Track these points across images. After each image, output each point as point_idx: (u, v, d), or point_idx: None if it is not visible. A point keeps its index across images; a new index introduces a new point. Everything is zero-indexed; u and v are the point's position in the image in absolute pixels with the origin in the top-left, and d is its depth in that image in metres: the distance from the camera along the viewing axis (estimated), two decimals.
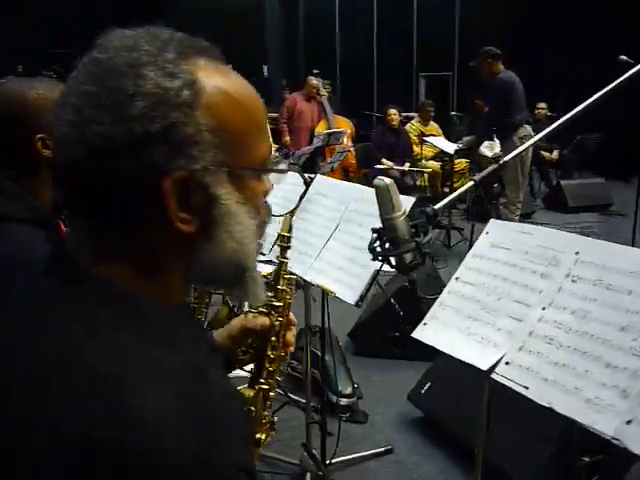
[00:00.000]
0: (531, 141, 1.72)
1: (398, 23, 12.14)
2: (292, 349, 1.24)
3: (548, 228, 1.42)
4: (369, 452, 2.71)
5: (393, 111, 7.27)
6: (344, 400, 3.00)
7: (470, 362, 1.28)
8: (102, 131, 0.64)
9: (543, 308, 1.26)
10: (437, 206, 1.64)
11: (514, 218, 5.26)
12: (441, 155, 7.07)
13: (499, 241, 1.45)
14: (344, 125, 7.82)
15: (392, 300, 3.13)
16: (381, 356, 3.51)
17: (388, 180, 1.53)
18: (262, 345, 1.15)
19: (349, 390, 3.03)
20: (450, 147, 6.19)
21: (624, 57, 4.98)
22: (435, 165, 7.42)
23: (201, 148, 0.67)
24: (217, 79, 0.70)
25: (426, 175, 7.22)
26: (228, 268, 0.75)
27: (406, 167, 7.24)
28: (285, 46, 13.27)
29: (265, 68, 12.78)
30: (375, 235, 1.64)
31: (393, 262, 1.59)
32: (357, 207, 1.93)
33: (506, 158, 1.70)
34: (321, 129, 7.59)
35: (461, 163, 7.31)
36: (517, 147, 5.40)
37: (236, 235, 0.72)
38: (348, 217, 1.93)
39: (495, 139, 5.36)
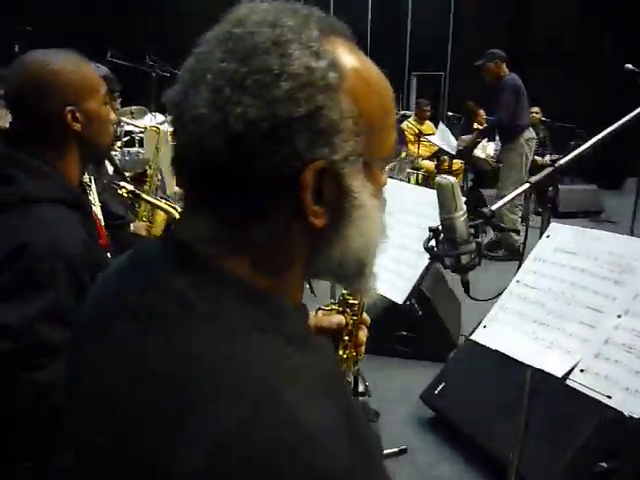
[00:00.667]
0: (589, 142, 1.70)
1: (391, 21, 12.13)
2: (363, 349, 1.21)
3: (616, 234, 1.40)
4: (384, 452, 2.69)
5: None
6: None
7: (542, 368, 1.26)
8: (245, 113, 0.59)
9: (619, 316, 1.24)
10: (494, 207, 1.62)
11: (516, 219, 5.28)
12: (438, 155, 7.08)
13: (564, 245, 1.43)
14: None
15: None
16: (391, 355, 3.49)
17: (452, 179, 1.51)
18: (334, 344, 1.12)
19: (361, 388, 3.01)
20: (452, 147, 6.20)
21: (629, 65, 5.03)
22: (429, 165, 7.42)
23: (343, 136, 0.63)
24: (354, 61, 0.66)
25: (420, 175, 7.22)
26: (352, 264, 0.71)
27: None
28: None
29: None
30: (431, 234, 1.62)
31: (447, 262, 1.57)
32: (399, 205, 1.89)
33: (562, 161, 1.69)
34: None
35: (456, 163, 7.33)
36: (524, 149, 5.48)
37: (365, 230, 0.68)
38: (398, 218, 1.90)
39: (489, 141, 5.40)
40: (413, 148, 7.53)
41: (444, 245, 1.52)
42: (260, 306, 0.64)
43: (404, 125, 7.74)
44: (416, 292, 1.73)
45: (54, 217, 1.33)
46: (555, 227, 1.49)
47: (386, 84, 0.70)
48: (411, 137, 7.66)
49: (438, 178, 1.48)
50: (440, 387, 2.89)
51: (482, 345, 2.33)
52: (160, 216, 3.08)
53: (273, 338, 0.62)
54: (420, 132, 7.25)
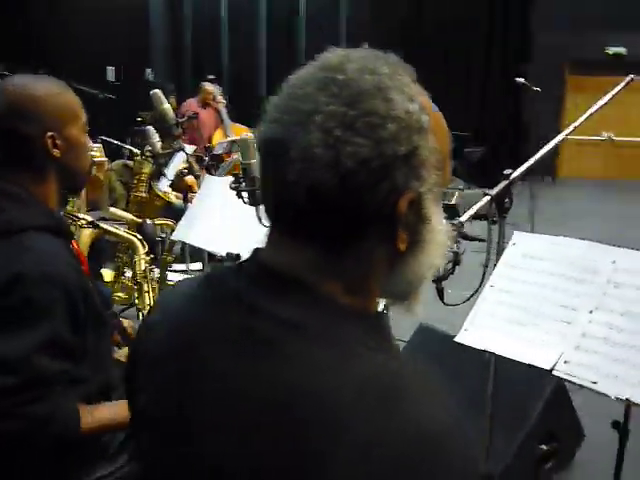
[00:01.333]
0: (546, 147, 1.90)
1: (286, 34, 12.32)
2: None
3: (577, 240, 1.58)
4: None
5: None
6: None
7: (532, 363, 1.41)
8: (357, 152, 0.66)
9: (590, 311, 1.41)
10: (462, 219, 1.77)
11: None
12: None
13: (531, 251, 1.59)
14: (241, 131, 7.78)
15: None
16: None
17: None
18: None
19: None
20: None
21: (521, 79, 5.47)
22: None
23: (429, 170, 0.72)
24: (427, 101, 0.76)
25: None
26: (416, 283, 0.81)
27: None
28: (171, 50, 12.98)
29: (148, 71, 12.43)
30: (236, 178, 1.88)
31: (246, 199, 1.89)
32: None
33: (514, 174, 1.87)
34: (218, 137, 7.51)
35: None
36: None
37: (433, 253, 0.78)
38: None
39: None
40: None
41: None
42: (362, 324, 0.72)
43: None
44: None
45: (43, 245, 1.33)
46: (519, 235, 1.66)
47: (443, 119, 0.80)
48: None
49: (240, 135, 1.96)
50: None
51: (435, 330, 2.47)
52: (86, 235, 3.03)
53: (382, 352, 0.70)
54: None
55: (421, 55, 11.27)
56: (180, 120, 2.84)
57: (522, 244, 1.62)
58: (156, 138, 3.62)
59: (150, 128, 3.80)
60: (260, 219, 2.11)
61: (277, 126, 0.71)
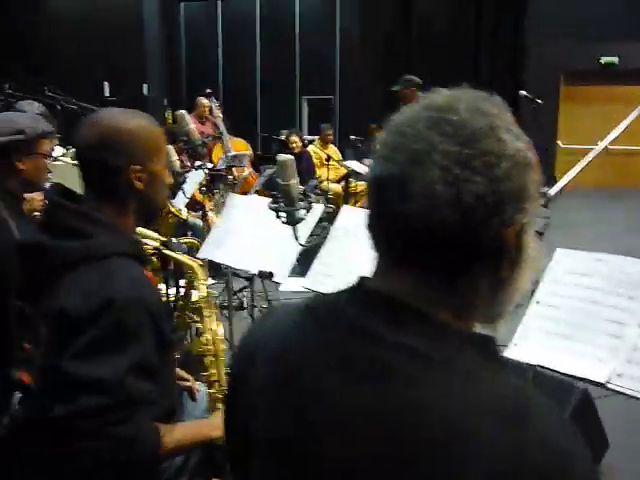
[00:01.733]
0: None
1: (281, 47, 12.40)
2: None
3: (614, 255, 1.64)
4: None
5: (294, 138, 7.43)
6: None
7: (585, 377, 1.46)
8: (476, 190, 0.71)
9: (639, 325, 1.47)
10: None
11: None
12: (346, 178, 7.35)
13: (574, 268, 1.65)
14: (242, 147, 7.81)
15: None
16: None
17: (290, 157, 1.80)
18: None
19: None
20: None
21: (524, 92, 5.55)
22: (337, 188, 7.68)
23: (532, 202, 0.78)
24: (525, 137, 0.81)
25: (330, 197, 7.43)
26: (509, 307, 0.86)
27: None
28: (166, 65, 13.04)
29: (145, 87, 12.48)
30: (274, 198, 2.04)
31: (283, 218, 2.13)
32: None
33: (551, 191, 1.93)
34: (218, 152, 7.54)
35: (361, 185, 7.64)
36: None
37: (524, 277, 0.83)
38: None
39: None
40: (320, 172, 7.76)
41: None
42: (480, 349, 0.77)
43: (310, 150, 7.96)
44: None
45: (130, 271, 1.37)
46: (561, 252, 1.72)
47: None
48: (317, 161, 7.89)
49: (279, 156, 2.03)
50: None
51: None
52: None
53: (503, 375, 0.76)
54: (328, 156, 7.49)
55: (411, 69, 11.47)
56: (205, 140, 2.88)
57: (566, 261, 1.67)
58: (175, 156, 3.68)
59: (169, 147, 3.83)
60: (297, 238, 2.16)
61: (390, 164, 0.75)
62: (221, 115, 7.86)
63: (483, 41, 10.98)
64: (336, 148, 8.26)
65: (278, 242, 2.44)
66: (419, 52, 11.29)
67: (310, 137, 8.40)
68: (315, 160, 7.87)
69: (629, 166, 11.68)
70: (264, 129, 11.75)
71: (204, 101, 7.63)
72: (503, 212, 0.73)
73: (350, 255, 2.12)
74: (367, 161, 7.19)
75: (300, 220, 2.08)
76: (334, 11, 12.21)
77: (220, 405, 1.69)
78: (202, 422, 1.60)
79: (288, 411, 0.79)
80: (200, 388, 1.92)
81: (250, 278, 2.94)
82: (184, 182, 3.72)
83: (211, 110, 7.63)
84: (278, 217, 2.13)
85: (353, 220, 2.20)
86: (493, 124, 0.74)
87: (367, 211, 0.82)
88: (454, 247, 0.74)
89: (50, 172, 2.33)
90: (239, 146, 7.78)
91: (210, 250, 2.88)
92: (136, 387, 1.28)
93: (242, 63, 12.61)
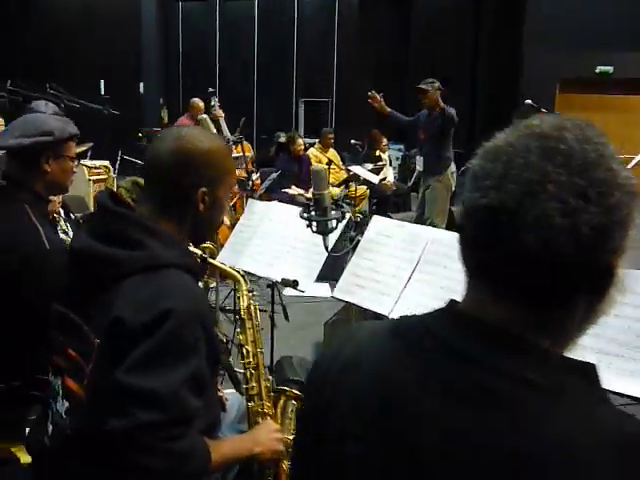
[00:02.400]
0: None
1: (278, 48, 12.40)
2: None
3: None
4: None
5: (301, 141, 7.43)
6: None
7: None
8: (591, 220, 0.71)
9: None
10: None
11: None
12: (347, 182, 7.36)
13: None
14: (246, 149, 7.79)
15: None
16: None
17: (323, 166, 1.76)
18: None
19: None
20: (374, 178, 6.47)
21: (529, 101, 5.58)
22: (336, 191, 7.68)
23: (633, 228, 0.78)
24: None
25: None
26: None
27: (311, 194, 7.40)
28: (163, 64, 12.99)
29: (141, 85, 12.43)
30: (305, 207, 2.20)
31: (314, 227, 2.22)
32: (436, 249, 2.06)
33: None
34: None
35: (361, 189, 7.65)
36: (450, 182, 5.60)
37: (613, 301, 0.84)
38: (428, 259, 2.05)
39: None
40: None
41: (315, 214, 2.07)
42: (584, 376, 0.77)
43: (309, 153, 7.96)
44: None
45: (186, 283, 1.36)
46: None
47: None
48: (316, 164, 7.88)
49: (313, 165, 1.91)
50: None
51: None
52: None
53: (609, 402, 0.76)
54: (330, 160, 7.49)
55: (409, 74, 11.49)
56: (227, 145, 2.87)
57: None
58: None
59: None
60: (327, 248, 2.16)
61: (502, 193, 0.74)
62: (223, 115, 7.84)
63: (481, 48, 11.03)
64: (336, 152, 8.26)
65: (304, 250, 2.44)
66: (416, 60, 11.33)
67: (309, 140, 8.37)
68: (314, 164, 7.86)
69: None
70: (260, 131, 11.75)
71: (199, 103, 7.61)
72: (613, 240, 0.74)
73: (380, 266, 2.12)
74: (368, 166, 7.21)
75: (332, 230, 2.08)
76: (333, 13, 12.23)
77: (260, 420, 1.68)
78: (245, 437, 1.58)
79: (389, 434, 0.79)
80: (228, 397, 1.91)
81: (271, 285, 2.92)
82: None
83: (214, 109, 7.61)
84: (309, 226, 2.12)
85: (383, 230, 2.20)
86: (601, 153, 0.75)
87: (461, 238, 0.82)
88: (564, 276, 0.74)
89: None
90: (244, 147, 7.73)
91: (229, 256, 2.87)
92: (189, 401, 1.27)
93: (239, 64, 12.59)
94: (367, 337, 0.92)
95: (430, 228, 2.13)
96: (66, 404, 1.41)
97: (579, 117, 0.81)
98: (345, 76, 12.06)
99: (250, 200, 2.95)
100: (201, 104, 7.50)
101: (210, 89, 8.22)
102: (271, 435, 1.55)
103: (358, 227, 2.11)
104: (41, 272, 1.94)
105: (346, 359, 0.89)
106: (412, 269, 2.05)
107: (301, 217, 2.10)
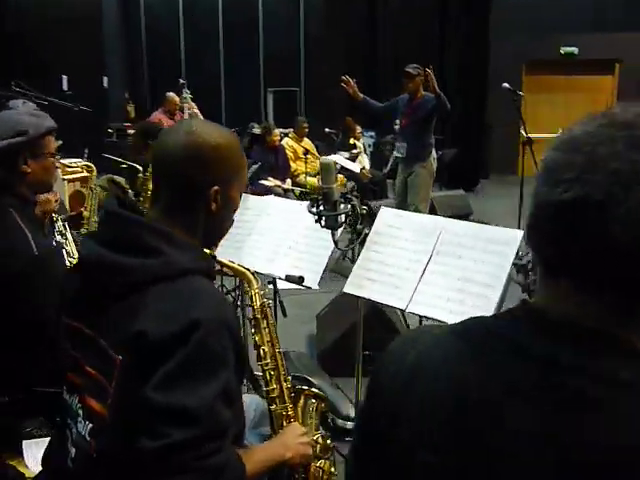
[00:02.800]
0: None
1: (244, 38, 12.24)
2: None
3: None
4: None
5: (277, 131, 7.35)
6: (349, 424, 3.03)
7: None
8: None
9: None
10: None
11: None
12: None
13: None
14: None
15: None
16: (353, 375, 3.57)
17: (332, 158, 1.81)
18: None
19: (351, 413, 3.07)
20: (355, 166, 6.43)
21: (506, 85, 5.59)
22: (314, 181, 7.62)
23: None
24: None
25: (298, 191, 7.36)
26: None
27: (288, 184, 7.35)
28: (127, 57, 12.70)
29: (105, 80, 12.14)
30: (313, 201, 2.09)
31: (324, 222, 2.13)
32: (450, 239, 2.02)
33: None
34: None
35: (340, 178, 7.62)
36: (433, 168, 5.63)
37: None
38: (442, 249, 2.01)
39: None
40: (295, 165, 7.68)
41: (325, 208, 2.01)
42: None
43: (284, 143, 7.87)
44: None
45: (209, 289, 1.29)
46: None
47: None
48: (291, 155, 7.81)
49: (322, 158, 2.09)
50: None
51: None
52: None
53: None
54: (306, 150, 7.42)
55: (378, 62, 11.46)
56: None
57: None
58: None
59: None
60: (336, 243, 2.10)
61: (588, 186, 0.71)
62: (196, 108, 7.73)
63: (448, 34, 11.04)
64: (310, 141, 8.18)
65: (307, 245, 2.38)
66: (384, 45, 11.30)
67: (284, 130, 8.29)
68: (289, 154, 7.78)
69: None
70: (229, 122, 11.59)
71: (174, 97, 7.46)
72: None
73: (391, 258, 2.07)
74: (344, 154, 7.16)
75: (341, 225, 2.02)
76: (298, 2, 12.11)
77: (285, 423, 1.62)
78: (275, 443, 1.52)
79: (465, 434, 0.76)
80: (245, 399, 1.85)
81: (273, 282, 2.85)
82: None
83: (185, 103, 7.49)
84: (317, 221, 2.06)
85: (392, 222, 2.14)
86: None
87: (534, 234, 0.78)
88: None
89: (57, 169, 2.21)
90: None
91: (228, 253, 2.79)
92: (223, 414, 1.20)
93: (205, 55, 12.38)
94: (432, 343, 0.89)
95: (442, 218, 2.08)
96: (89, 425, 1.32)
97: None
98: (313, 64, 11.97)
99: (244, 195, 2.86)
100: (177, 98, 7.36)
101: (181, 80, 8.10)
102: (299, 439, 1.51)
103: (364, 220, 2.04)
104: (31, 280, 1.85)
105: (412, 363, 0.86)
106: (426, 261, 2.00)
107: (309, 212, 2.03)
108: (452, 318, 1.89)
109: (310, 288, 2.32)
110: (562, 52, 11.82)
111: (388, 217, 2.16)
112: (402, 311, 1.98)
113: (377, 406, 0.90)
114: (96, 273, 1.31)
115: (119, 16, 12.37)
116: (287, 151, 7.80)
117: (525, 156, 5.31)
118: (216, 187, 1.32)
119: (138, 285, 1.24)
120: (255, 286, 1.64)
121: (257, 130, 7.89)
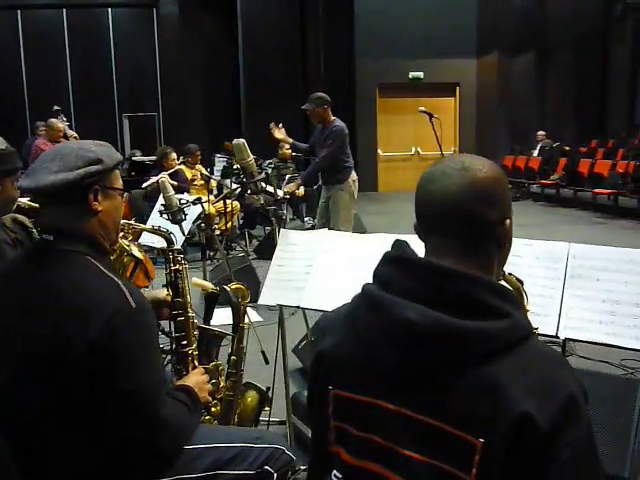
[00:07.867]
0: None
1: (95, 62, 11.51)
2: None
3: None
4: None
5: (174, 155, 6.99)
6: None
7: None
8: None
9: None
10: None
11: None
12: (224, 198, 7.07)
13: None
14: None
15: None
16: None
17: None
18: None
19: None
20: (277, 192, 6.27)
21: (422, 108, 5.81)
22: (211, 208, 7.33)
23: None
24: None
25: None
26: None
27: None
28: None
29: None
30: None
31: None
32: (580, 263, 2.06)
33: None
34: None
35: (234, 204, 7.42)
36: (352, 189, 5.72)
37: None
38: (575, 273, 2.04)
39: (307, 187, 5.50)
40: (196, 192, 7.35)
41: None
42: None
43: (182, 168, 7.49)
44: None
45: (554, 352, 1.18)
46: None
47: None
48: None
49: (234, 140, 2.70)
50: None
51: None
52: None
53: None
54: (208, 177, 7.12)
55: (237, 88, 11.37)
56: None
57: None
58: (171, 191, 3.17)
59: (164, 181, 3.31)
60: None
61: None
62: (76, 135, 7.10)
63: (313, 59, 11.30)
64: (202, 167, 7.87)
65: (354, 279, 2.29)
66: (248, 72, 11.23)
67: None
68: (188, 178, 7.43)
69: None
70: None
71: (58, 124, 6.80)
72: None
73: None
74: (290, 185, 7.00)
75: None
76: (152, 25, 11.68)
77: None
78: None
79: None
80: None
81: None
82: (183, 219, 3.25)
83: (65, 133, 6.88)
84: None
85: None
86: None
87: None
88: None
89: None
90: None
91: (274, 296, 2.59)
92: None
93: (50, 80, 11.41)
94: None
95: (553, 243, 2.12)
96: None
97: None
98: (171, 86, 11.56)
99: (282, 231, 2.67)
100: (61, 125, 6.69)
101: (55, 107, 7.40)
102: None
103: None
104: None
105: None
106: (561, 287, 2.03)
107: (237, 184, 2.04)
108: (617, 340, 1.93)
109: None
110: (410, 77, 12.68)
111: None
112: None
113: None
114: (431, 341, 1.10)
115: None
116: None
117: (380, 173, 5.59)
118: (508, 220, 1.22)
119: (491, 354, 1.08)
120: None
121: (137, 157, 7.45)
